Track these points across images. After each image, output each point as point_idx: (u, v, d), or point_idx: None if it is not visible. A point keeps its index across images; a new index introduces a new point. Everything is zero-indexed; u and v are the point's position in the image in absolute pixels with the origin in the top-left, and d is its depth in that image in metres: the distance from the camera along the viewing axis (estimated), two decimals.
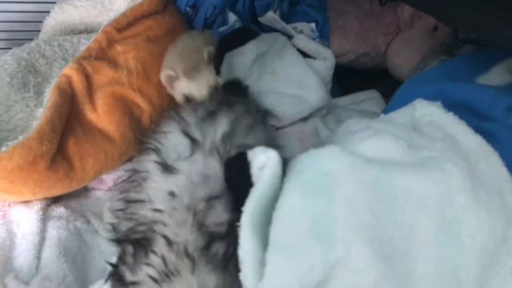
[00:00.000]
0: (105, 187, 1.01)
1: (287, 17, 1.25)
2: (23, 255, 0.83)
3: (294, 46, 1.12)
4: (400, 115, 0.71)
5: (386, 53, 1.26)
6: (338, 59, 1.21)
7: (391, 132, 0.61)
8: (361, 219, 0.51)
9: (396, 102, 0.82)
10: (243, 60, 1.07)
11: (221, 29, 1.19)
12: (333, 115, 1.14)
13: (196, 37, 1.09)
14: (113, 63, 1.00)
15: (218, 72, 1.02)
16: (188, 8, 1.28)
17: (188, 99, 1.03)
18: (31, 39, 1.30)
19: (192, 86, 1.02)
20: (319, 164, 0.55)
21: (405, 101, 0.75)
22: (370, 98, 1.23)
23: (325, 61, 1.11)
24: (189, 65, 1.02)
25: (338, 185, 0.53)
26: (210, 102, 0.91)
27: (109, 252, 0.83)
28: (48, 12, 1.29)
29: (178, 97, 1.05)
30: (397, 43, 1.24)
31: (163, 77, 1.03)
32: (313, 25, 1.19)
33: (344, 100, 1.22)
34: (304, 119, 1.10)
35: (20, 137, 0.82)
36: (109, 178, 1.00)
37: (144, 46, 1.06)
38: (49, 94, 0.90)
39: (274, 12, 1.25)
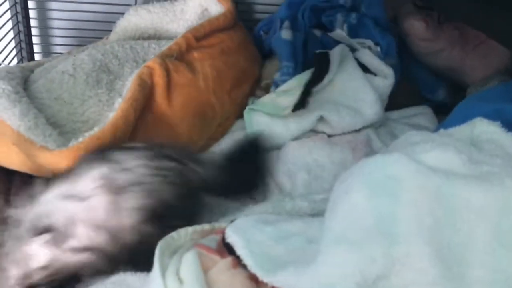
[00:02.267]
0: None
1: (356, 30, 1.30)
2: None
3: (356, 59, 1.16)
4: (460, 131, 0.74)
5: (470, 54, 1.29)
6: (427, 43, 1.27)
7: (453, 145, 0.65)
8: (423, 222, 0.55)
9: (455, 118, 0.85)
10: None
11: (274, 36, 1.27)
12: (385, 127, 1.18)
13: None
14: (191, 67, 1.07)
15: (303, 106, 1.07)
16: (262, 33, 1.38)
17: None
18: (101, 38, 1.41)
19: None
20: (385, 168, 0.60)
21: (464, 117, 0.78)
22: (422, 113, 1.26)
23: (385, 79, 1.15)
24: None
25: (403, 188, 0.57)
26: None
27: None
28: (117, 13, 1.39)
29: None
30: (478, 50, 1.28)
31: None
32: (378, 48, 1.24)
33: (395, 114, 1.25)
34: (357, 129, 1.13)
35: (96, 129, 0.89)
36: None
37: (218, 57, 1.13)
38: (130, 84, 0.97)
39: (342, 25, 1.31)
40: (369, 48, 1.22)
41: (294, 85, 1.12)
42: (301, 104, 1.08)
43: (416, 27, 1.28)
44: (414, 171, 0.59)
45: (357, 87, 1.12)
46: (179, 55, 1.09)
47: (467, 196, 0.58)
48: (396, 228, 0.55)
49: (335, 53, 1.16)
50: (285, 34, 1.24)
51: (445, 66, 1.33)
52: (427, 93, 1.33)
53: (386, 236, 0.55)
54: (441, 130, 0.78)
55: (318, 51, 1.19)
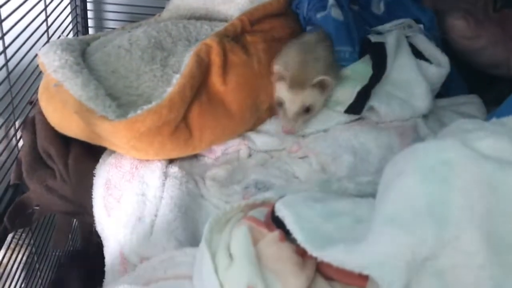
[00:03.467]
0: (213, 156, 1.11)
1: (393, 8, 1.26)
2: (150, 215, 0.93)
3: (411, 44, 1.14)
4: None
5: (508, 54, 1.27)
6: (469, 41, 1.25)
7: (507, 134, 0.65)
8: (474, 208, 0.56)
9: (508, 108, 0.84)
10: None
11: (319, 15, 1.19)
12: (433, 114, 1.16)
13: (322, 51, 1.10)
14: (245, 49, 1.09)
15: (360, 111, 1.07)
16: (298, 10, 1.30)
17: (280, 103, 1.08)
18: (153, 15, 1.44)
19: (288, 97, 1.06)
20: (439, 153, 0.60)
21: None
22: (471, 102, 1.23)
23: (440, 68, 1.12)
24: (298, 77, 1.04)
25: (455, 174, 0.58)
26: None
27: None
28: None
29: (275, 94, 1.10)
30: None
31: (275, 67, 1.07)
32: (421, 26, 1.21)
33: (444, 101, 1.24)
34: None
35: (154, 103, 0.92)
36: (218, 149, 1.10)
37: (270, 42, 1.14)
38: (188, 60, 0.99)
39: (379, 3, 1.27)
40: (410, 26, 1.18)
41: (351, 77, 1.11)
42: (356, 107, 1.07)
43: (457, 26, 1.27)
44: (467, 157, 0.59)
45: (409, 79, 1.10)
46: (234, 37, 1.10)
47: None
48: (448, 212, 0.56)
49: (390, 45, 1.12)
50: (336, 13, 1.17)
51: (490, 62, 1.32)
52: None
53: (437, 219, 0.56)
54: (494, 119, 0.77)
55: (373, 41, 1.14)
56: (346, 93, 1.10)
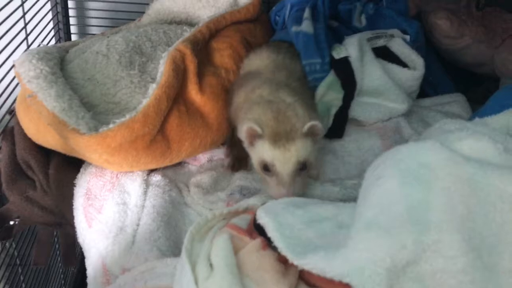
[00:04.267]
0: (198, 163, 1.09)
1: (375, 20, 1.27)
2: (131, 224, 0.92)
3: (388, 48, 1.14)
4: (496, 120, 0.73)
5: (499, 48, 1.28)
6: (453, 41, 1.25)
7: (488, 134, 0.64)
8: (455, 210, 0.56)
9: (491, 107, 0.83)
10: None
11: (294, 28, 1.17)
12: (416, 114, 1.16)
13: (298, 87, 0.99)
14: (211, 57, 1.08)
15: (341, 134, 1.03)
16: (277, 18, 1.33)
17: (266, 167, 0.86)
18: (133, 19, 1.43)
19: (277, 156, 0.84)
20: (418, 156, 0.60)
21: (501, 107, 0.77)
22: (455, 100, 1.23)
23: (415, 71, 1.12)
24: (281, 130, 0.85)
25: (436, 176, 0.57)
26: None
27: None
28: None
29: (255, 160, 0.89)
30: (507, 44, 1.26)
31: (244, 128, 0.87)
32: (407, 37, 1.20)
33: (428, 101, 1.24)
34: None
35: (127, 116, 0.89)
36: (203, 157, 1.09)
37: (237, 47, 1.13)
38: (163, 68, 0.97)
39: (360, 17, 1.27)
40: (392, 36, 1.18)
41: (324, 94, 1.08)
42: (336, 131, 1.05)
43: (441, 26, 1.27)
44: (447, 159, 0.58)
45: (380, 85, 1.09)
46: (203, 45, 1.09)
47: (501, 186, 0.58)
48: (428, 215, 0.55)
49: (354, 58, 1.09)
50: (307, 26, 1.15)
51: (474, 61, 1.32)
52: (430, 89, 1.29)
53: (417, 223, 0.55)
54: (476, 119, 0.77)
55: (336, 57, 1.10)
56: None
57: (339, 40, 1.17)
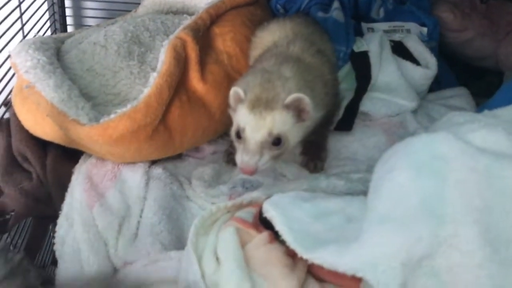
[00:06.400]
0: (201, 155, 1.07)
1: (393, 15, 1.27)
2: (135, 216, 0.90)
3: (402, 43, 1.13)
4: (507, 112, 0.72)
5: (503, 41, 1.28)
6: (456, 34, 1.24)
7: (501, 126, 0.63)
8: (471, 203, 0.54)
9: (500, 99, 0.82)
10: None
11: (320, 14, 1.18)
12: (421, 108, 1.15)
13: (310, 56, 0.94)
14: (214, 44, 1.06)
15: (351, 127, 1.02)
16: (279, 6, 1.32)
17: (239, 135, 0.81)
18: (129, 11, 1.40)
19: (249, 121, 0.80)
20: (432, 147, 0.58)
21: (510, 99, 0.76)
22: (458, 94, 1.23)
23: (427, 70, 1.12)
24: (263, 97, 0.80)
25: (450, 168, 0.56)
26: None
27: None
28: None
29: (234, 125, 0.84)
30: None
31: (231, 92, 0.83)
32: (425, 29, 1.21)
33: (432, 95, 1.23)
34: None
35: (129, 106, 0.87)
36: (208, 149, 1.07)
37: (240, 29, 1.11)
38: (164, 56, 0.94)
39: (379, 9, 1.27)
40: (408, 31, 1.19)
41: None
42: (346, 124, 1.03)
43: (444, 19, 1.27)
44: (461, 150, 0.57)
45: (392, 81, 1.10)
46: (204, 31, 1.07)
47: None
48: (444, 208, 0.54)
49: (374, 53, 1.11)
50: (338, 15, 1.17)
51: (477, 55, 1.32)
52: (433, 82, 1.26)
53: (433, 216, 0.53)
54: (486, 111, 0.75)
55: (356, 50, 1.13)
56: None
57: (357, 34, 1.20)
